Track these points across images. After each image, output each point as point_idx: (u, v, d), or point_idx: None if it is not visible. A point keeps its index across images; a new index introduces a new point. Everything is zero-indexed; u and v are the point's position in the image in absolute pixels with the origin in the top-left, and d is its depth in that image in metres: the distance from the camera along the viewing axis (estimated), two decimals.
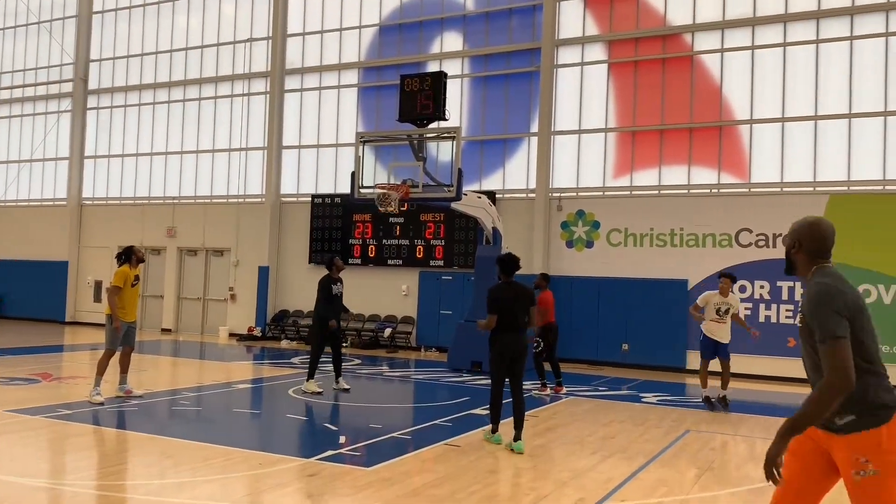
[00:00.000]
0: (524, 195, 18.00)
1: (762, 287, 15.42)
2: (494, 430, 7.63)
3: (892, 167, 14.70)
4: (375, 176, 14.64)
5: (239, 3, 21.79)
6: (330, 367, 11.64)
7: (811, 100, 15.41)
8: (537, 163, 17.66)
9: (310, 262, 20.08)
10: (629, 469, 6.81)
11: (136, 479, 6.09)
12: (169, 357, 16.19)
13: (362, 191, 12.70)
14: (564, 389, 11.98)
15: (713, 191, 16.21)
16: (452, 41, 19.09)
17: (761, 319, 15.32)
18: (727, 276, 10.87)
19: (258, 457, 6.78)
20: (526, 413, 7.67)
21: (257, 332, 20.22)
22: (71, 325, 23.02)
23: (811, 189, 15.26)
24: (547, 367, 12.05)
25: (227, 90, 22.00)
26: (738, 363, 15.29)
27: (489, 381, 7.82)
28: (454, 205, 12.93)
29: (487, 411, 8.05)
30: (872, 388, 3.03)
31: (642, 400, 11.66)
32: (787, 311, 15.17)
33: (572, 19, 17.77)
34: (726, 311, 10.72)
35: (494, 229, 14.62)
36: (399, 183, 12.14)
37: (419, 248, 18.65)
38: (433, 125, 13.70)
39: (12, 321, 23.38)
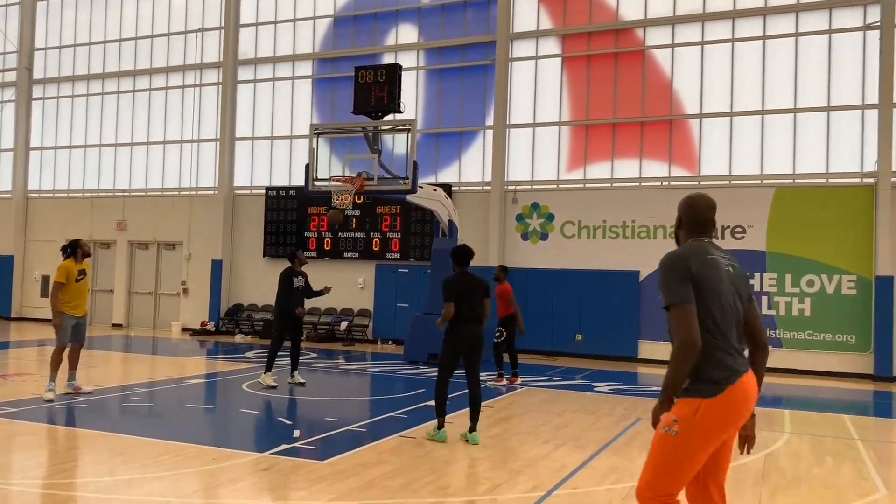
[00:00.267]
0: (480, 188, 18.09)
1: None
2: (440, 426, 7.39)
3: (835, 161, 15.17)
4: (331, 168, 14.56)
5: None
6: (286, 361, 11.58)
7: (758, 95, 15.80)
8: (493, 156, 17.77)
9: (264, 256, 19.89)
10: (581, 457, 6.95)
11: (85, 476, 6.00)
12: (120, 353, 15.89)
13: (317, 183, 12.63)
14: (520, 380, 12.12)
15: (664, 183, 16.52)
16: (407, 33, 19.05)
17: None
18: None
19: (211, 452, 6.73)
20: (482, 404, 7.71)
21: (211, 326, 19.97)
22: (17, 321, 22.41)
23: (758, 182, 15.67)
24: (505, 357, 12.17)
25: (179, 81, 21.60)
26: None
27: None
28: (410, 197, 12.95)
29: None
30: (708, 362, 3.13)
31: (595, 389, 11.86)
32: None
33: (527, 13, 17.89)
34: None
35: (450, 222, 14.68)
36: (354, 175, 12.09)
37: (375, 241, 18.61)
38: (388, 117, 13.69)
39: None
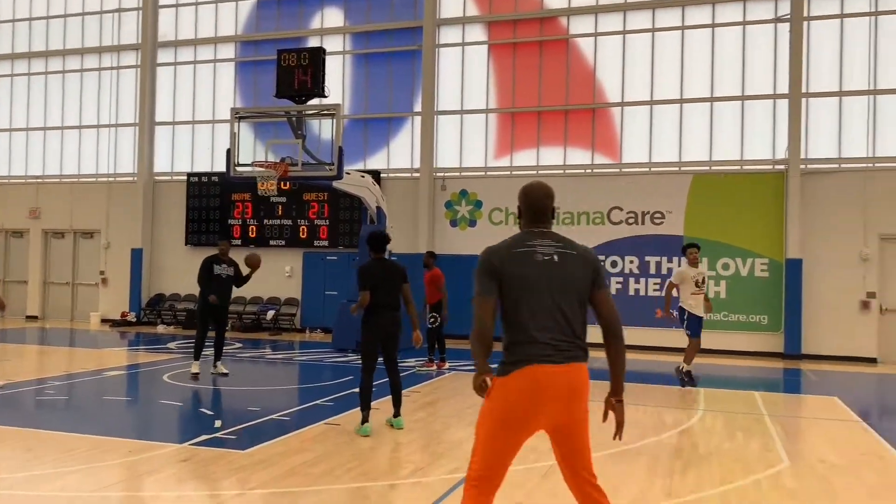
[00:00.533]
0: (409, 175, 18.07)
1: (632, 262, 16.22)
2: (364, 420, 7.17)
3: (749, 148, 15.77)
4: (255, 154, 14.27)
5: None
6: (211, 351, 11.36)
7: (677, 84, 16.26)
8: (421, 142, 17.77)
9: (186, 244, 19.39)
10: None
11: None
12: (35, 345, 15.29)
13: (239, 169, 12.37)
14: (447, 365, 12.21)
15: (587, 171, 16.86)
16: (333, 17, 18.80)
17: (631, 293, 16.14)
18: (694, 246, 10.52)
19: (128, 445, 6.56)
20: (409, 389, 7.73)
21: (132, 317, 19.39)
22: None
23: (677, 169, 16.16)
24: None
25: (95, 63, 20.77)
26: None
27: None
28: (336, 184, 12.82)
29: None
30: (507, 348, 3.26)
31: None
32: (654, 284, 16.03)
33: None
34: (703, 281, 10.43)
35: (378, 209, 14.61)
36: (278, 161, 11.89)
37: (302, 229, 18.39)
38: (316, 102, 13.49)
39: None
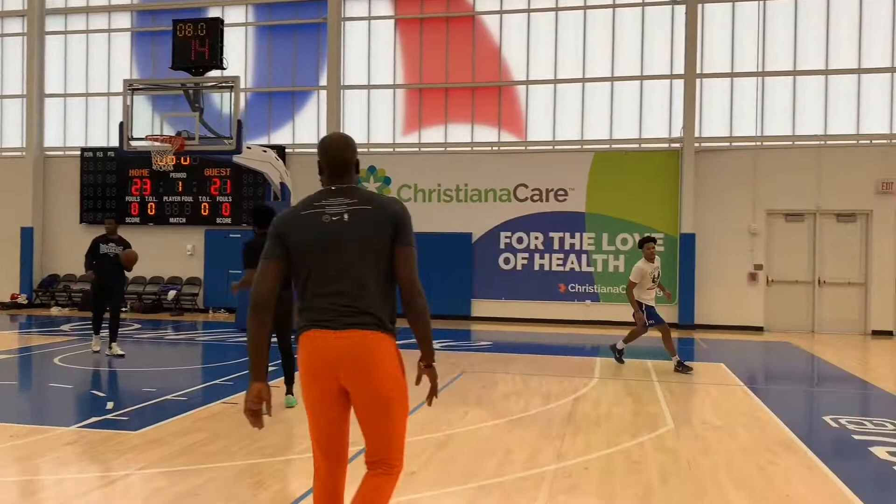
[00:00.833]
0: (315, 150, 17.76)
1: (537, 238, 16.57)
2: (288, 392, 7.22)
3: (647, 127, 16.31)
4: (153, 127, 13.73)
5: None
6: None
7: (579, 63, 16.60)
8: (327, 118, 17.52)
9: (81, 222, 18.53)
10: None
11: None
12: None
13: (133, 143, 11.89)
14: None
15: (494, 148, 17.05)
16: None
17: (536, 268, 16.51)
18: (651, 240, 10.24)
19: (11, 429, 6.28)
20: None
21: (22, 299, 18.43)
22: None
23: (579, 147, 16.55)
24: None
25: None
26: (514, 308, 16.48)
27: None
28: (237, 158, 12.51)
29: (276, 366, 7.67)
30: (298, 311, 3.12)
31: None
32: (558, 259, 16.44)
33: None
34: (659, 276, 10.22)
35: (282, 184, 14.37)
36: (173, 135, 11.49)
37: (204, 206, 17.87)
38: (216, 74, 13.09)
39: None
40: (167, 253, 18.06)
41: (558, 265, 16.48)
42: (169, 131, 12.28)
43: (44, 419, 6.96)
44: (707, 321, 15.67)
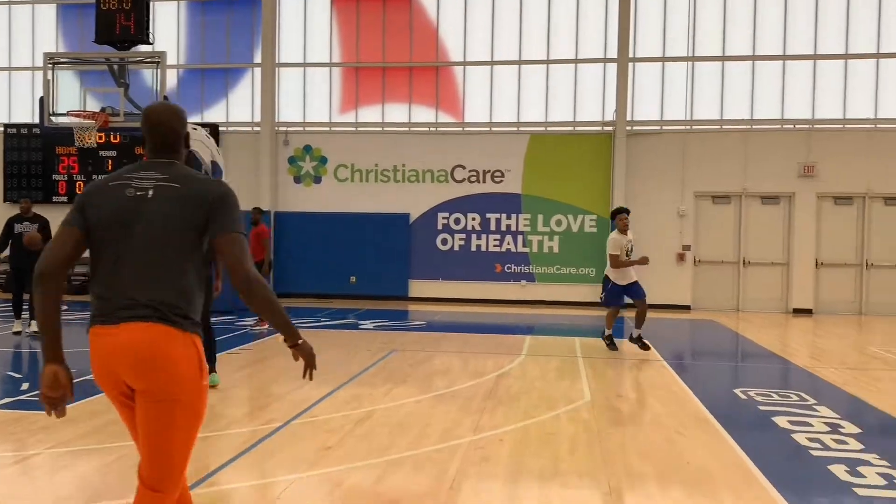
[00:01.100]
0: (249, 128, 17.53)
1: (474, 219, 16.68)
2: (211, 370, 7.15)
3: (582, 110, 16.53)
4: (81, 103, 13.32)
5: None
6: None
7: (516, 44, 16.70)
8: (262, 95, 17.25)
9: (5, 201, 17.84)
10: (328, 390, 7.17)
11: None
12: None
13: (54, 119, 11.52)
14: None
15: (431, 129, 17.06)
16: None
17: (473, 249, 16.64)
18: (624, 211, 9.99)
19: None
20: (241, 347, 7.62)
21: None
22: None
23: (515, 129, 16.69)
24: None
25: None
26: (452, 289, 16.60)
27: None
28: None
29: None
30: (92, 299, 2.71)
31: (360, 327, 12.21)
32: (494, 240, 16.60)
33: None
34: (632, 249, 9.92)
35: (214, 163, 14.02)
36: (97, 111, 11.17)
37: None
38: (146, 49, 12.75)
39: None
40: None
41: (495, 246, 16.64)
42: (94, 107, 11.92)
43: None
44: None
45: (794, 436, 5.74)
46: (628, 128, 16.03)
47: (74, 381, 2.72)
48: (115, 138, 16.97)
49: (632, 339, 9.87)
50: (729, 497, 4.40)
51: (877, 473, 4.82)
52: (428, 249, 16.78)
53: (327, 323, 12.72)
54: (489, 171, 16.63)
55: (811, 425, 6.04)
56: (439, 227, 16.80)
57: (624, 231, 9.80)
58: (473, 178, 16.74)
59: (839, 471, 4.86)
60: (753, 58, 15.98)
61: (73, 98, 13.21)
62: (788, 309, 15.85)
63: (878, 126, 15.58)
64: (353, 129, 17.32)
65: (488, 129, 16.81)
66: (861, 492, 4.49)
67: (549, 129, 16.63)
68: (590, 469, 4.86)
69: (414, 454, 5.11)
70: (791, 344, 11.66)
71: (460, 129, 16.94)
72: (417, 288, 16.86)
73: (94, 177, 17.49)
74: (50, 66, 11.62)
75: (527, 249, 16.49)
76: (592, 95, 16.45)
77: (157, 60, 11.59)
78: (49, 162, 17.64)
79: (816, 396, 7.21)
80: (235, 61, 17.60)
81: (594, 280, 16.25)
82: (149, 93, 14.13)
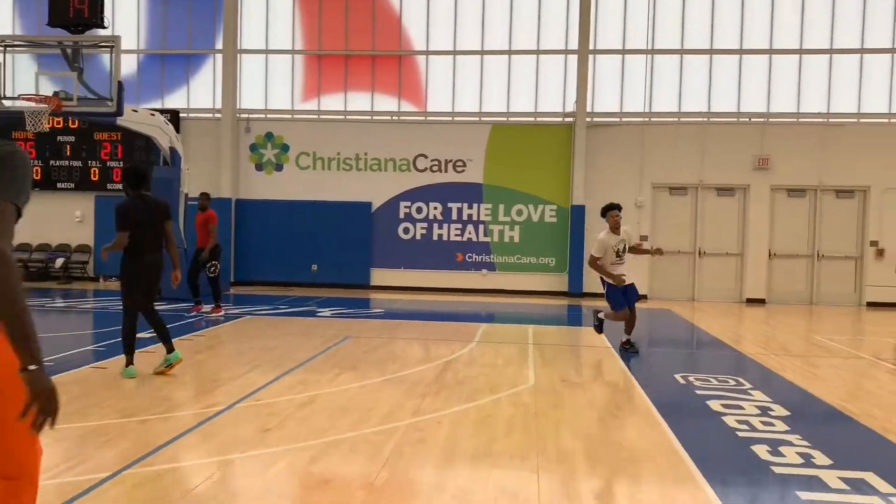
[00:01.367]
0: (210, 115, 17.41)
1: (436, 208, 16.79)
2: (129, 363, 6.97)
3: (543, 101, 16.68)
4: (37, 87, 13.12)
5: None
6: None
7: (478, 35, 16.78)
8: (223, 82, 17.13)
9: None
10: (275, 375, 7.22)
11: None
12: None
13: (4, 102, 11.36)
14: (205, 307, 11.84)
15: (394, 118, 17.10)
16: None
17: (435, 238, 16.74)
18: (615, 207, 8.79)
19: None
20: (195, 333, 7.55)
21: None
22: None
23: (477, 119, 16.80)
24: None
25: None
26: (413, 278, 16.69)
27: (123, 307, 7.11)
28: (122, 122, 12.14)
29: (153, 335, 7.44)
30: None
31: (318, 315, 12.25)
32: (456, 229, 16.72)
33: None
34: (624, 250, 8.79)
35: (172, 149, 14.01)
36: (50, 95, 11.04)
37: (94, 171, 17.25)
38: (107, 34, 12.59)
39: None
40: (55, 219, 17.37)
41: (456, 235, 16.76)
42: (48, 92, 11.77)
43: None
44: (595, 290, 16.19)
45: (724, 418, 5.93)
46: (588, 119, 16.23)
47: None
48: (73, 123, 16.77)
49: (622, 345, 8.95)
50: (650, 474, 4.56)
51: (796, 453, 5.02)
52: (390, 238, 16.85)
53: (285, 310, 12.75)
54: (451, 161, 16.73)
55: (743, 408, 6.25)
56: (401, 215, 16.87)
57: (616, 230, 8.68)
58: (436, 168, 16.82)
59: (761, 451, 5.06)
60: (711, 51, 16.24)
61: (27, 82, 13.01)
62: (742, 298, 16.20)
63: (831, 120, 15.96)
64: (316, 116, 17.29)
65: (451, 118, 16.90)
66: (777, 470, 4.68)
67: (510, 119, 16.76)
68: (521, 449, 5.00)
69: (352, 436, 5.20)
70: (739, 332, 11.95)
71: (423, 118, 17.00)
72: (379, 276, 16.93)
73: (52, 162, 17.30)
74: (1, 48, 11.44)
75: (488, 239, 16.64)
76: (553, 87, 16.61)
77: (112, 45, 11.48)
78: None
79: (753, 382, 7.44)
80: (197, 47, 17.46)
81: (554, 270, 16.48)
82: (106, 77, 13.97)
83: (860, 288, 16.04)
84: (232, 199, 16.96)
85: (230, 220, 16.82)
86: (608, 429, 5.60)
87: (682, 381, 7.41)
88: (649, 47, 16.37)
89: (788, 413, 6.11)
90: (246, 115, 17.29)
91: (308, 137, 17.13)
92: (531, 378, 7.37)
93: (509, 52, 16.67)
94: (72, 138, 17.10)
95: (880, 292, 15.77)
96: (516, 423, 5.64)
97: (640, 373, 7.84)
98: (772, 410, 6.19)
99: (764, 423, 5.80)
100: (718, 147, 16.09)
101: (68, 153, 17.27)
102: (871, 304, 15.79)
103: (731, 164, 16.06)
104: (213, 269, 11.47)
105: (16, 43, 12.31)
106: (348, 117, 17.20)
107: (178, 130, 15.58)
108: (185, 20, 17.45)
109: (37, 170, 17.34)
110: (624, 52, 16.41)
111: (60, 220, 17.33)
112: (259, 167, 17.31)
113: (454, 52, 16.82)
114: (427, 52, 16.93)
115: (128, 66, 17.15)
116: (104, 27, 11.74)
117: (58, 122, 16.55)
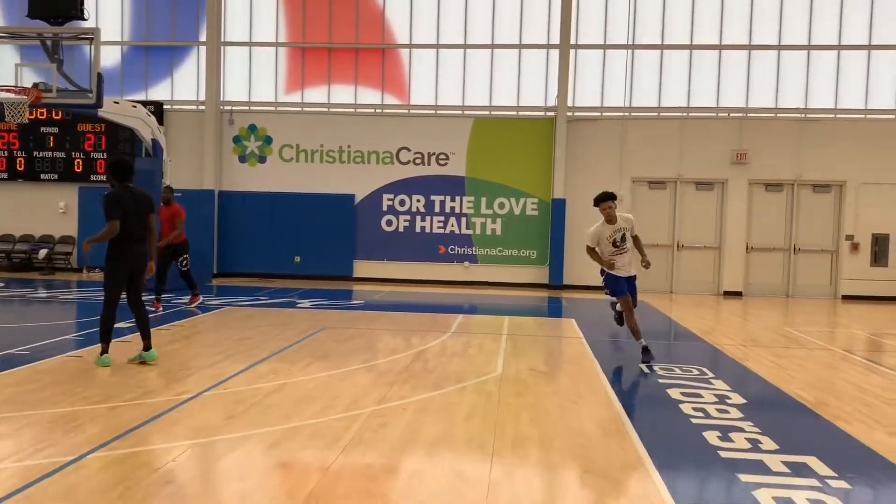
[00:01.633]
0: (194, 107, 17.46)
1: (419, 201, 16.92)
2: (105, 352, 7.10)
3: (525, 95, 16.81)
4: (17, 78, 13.14)
5: None
6: None
7: (461, 29, 16.88)
8: (207, 74, 17.18)
9: None
10: (246, 364, 7.35)
11: None
12: None
13: None
14: (201, 299, 11.92)
15: (377, 111, 17.19)
16: None
17: (418, 230, 16.87)
18: (609, 198, 8.27)
19: None
20: (171, 324, 7.67)
21: None
22: None
23: (460, 112, 16.91)
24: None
25: None
26: (396, 270, 16.82)
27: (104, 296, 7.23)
28: (104, 113, 12.19)
29: (132, 324, 7.60)
30: None
31: (297, 306, 12.37)
32: (438, 222, 16.85)
33: None
34: (623, 238, 8.24)
35: (154, 141, 14.08)
36: (29, 87, 11.09)
37: (78, 162, 17.29)
38: (89, 25, 12.62)
39: None
40: (38, 210, 17.42)
41: (439, 228, 16.90)
42: (29, 83, 11.81)
43: None
44: (576, 282, 16.47)
45: (681, 406, 6.10)
46: (569, 113, 16.37)
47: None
48: (56, 114, 16.79)
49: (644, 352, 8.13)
50: (601, 458, 4.72)
51: (745, 439, 5.19)
52: (373, 230, 16.97)
53: (265, 301, 12.86)
54: (434, 154, 16.85)
55: (701, 396, 6.42)
56: (384, 208, 16.99)
57: (610, 221, 8.21)
58: (418, 161, 16.94)
59: (711, 437, 5.22)
60: (691, 47, 16.39)
61: (8, 73, 13.04)
62: (720, 291, 16.41)
63: (808, 116, 16.15)
64: (299, 109, 17.37)
65: (434, 111, 17.00)
66: (724, 454, 4.85)
67: (493, 113, 16.88)
68: (479, 435, 5.15)
69: (315, 423, 5.34)
70: (711, 324, 12.14)
71: (406, 111, 17.10)
72: (362, 268, 17.05)
73: (35, 153, 17.32)
74: None
75: (470, 231, 16.78)
76: (535, 81, 16.74)
77: (91, 37, 11.52)
78: None
79: (715, 371, 7.62)
80: (181, 39, 17.49)
81: (535, 262, 16.65)
82: (87, 68, 14.00)
83: (836, 281, 16.28)
84: (215, 190, 17.03)
85: (213, 211, 16.91)
86: (566, 415, 5.76)
87: (646, 370, 7.58)
88: (630, 42, 16.51)
89: (745, 401, 6.28)
90: (230, 108, 17.36)
91: (291, 130, 17.21)
92: (499, 368, 7.52)
93: (492, 47, 16.78)
94: (55, 129, 17.13)
95: (855, 285, 16.01)
96: (477, 411, 5.79)
97: (606, 363, 8.00)
98: (729, 398, 6.36)
99: (720, 410, 5.97)
100: (697, 142, 16.28)
101: (52, 144, 17.29)
102: (845, 298, 16.03)
103: (709, 158, 16.25)
104: (184, 262, 11.54)
105: None
106: (332, 110, 17.29)
107: (161, 122, 15.64)
108: (169, 12, 17.47)
109: (20, 160, 17.37)
110: (605, 47, 16.55)
111: (44, 210, 17.37)
112: (242, 159, 17.39)
113: (437, 46, 16.92)
114: (410, 46, 17.02)
115: (112, 57, 17.21)
116: (84, 19, 11.79)
117: (41, 114, 16.58)
